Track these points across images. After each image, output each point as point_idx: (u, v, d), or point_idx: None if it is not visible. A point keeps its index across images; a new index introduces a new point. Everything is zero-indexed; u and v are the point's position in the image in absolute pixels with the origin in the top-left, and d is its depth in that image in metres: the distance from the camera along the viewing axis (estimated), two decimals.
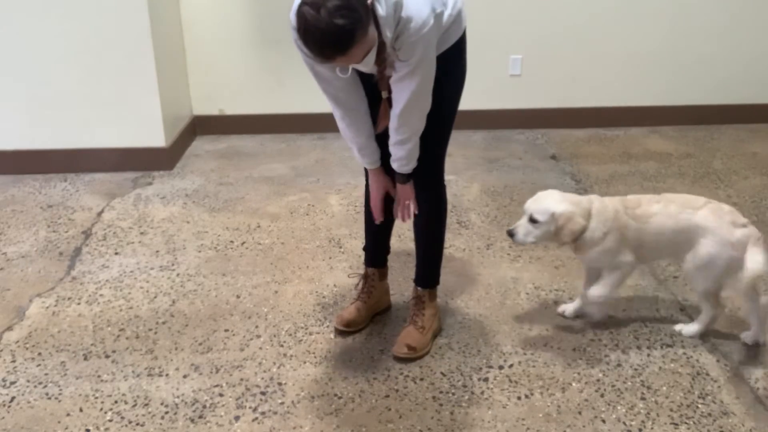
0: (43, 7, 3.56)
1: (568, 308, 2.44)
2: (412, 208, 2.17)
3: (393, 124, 2.00)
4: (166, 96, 3.86)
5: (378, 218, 2.25)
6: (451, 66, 2.03)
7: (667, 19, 4.36)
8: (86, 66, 3.69)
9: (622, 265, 2.23)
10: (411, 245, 2.53)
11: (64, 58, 3.67)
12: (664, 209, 2.18)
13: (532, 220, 2.18)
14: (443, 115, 2.10)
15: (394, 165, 2.09)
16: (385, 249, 2.44)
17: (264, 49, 4.27)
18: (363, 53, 1.76)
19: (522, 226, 2.21)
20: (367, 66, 1.88)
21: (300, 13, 1.67)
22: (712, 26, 4.40)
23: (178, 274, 2.78)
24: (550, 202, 2.17)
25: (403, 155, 2.05)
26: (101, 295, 2.64)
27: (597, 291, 2.27)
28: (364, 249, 2.46)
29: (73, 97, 3.75)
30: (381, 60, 1.86)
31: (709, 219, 2.13)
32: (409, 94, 1.91)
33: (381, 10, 1.77)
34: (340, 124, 2.11)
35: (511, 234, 2.22)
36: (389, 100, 1.98)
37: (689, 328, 2.32)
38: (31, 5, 3.55)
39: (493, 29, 4.25)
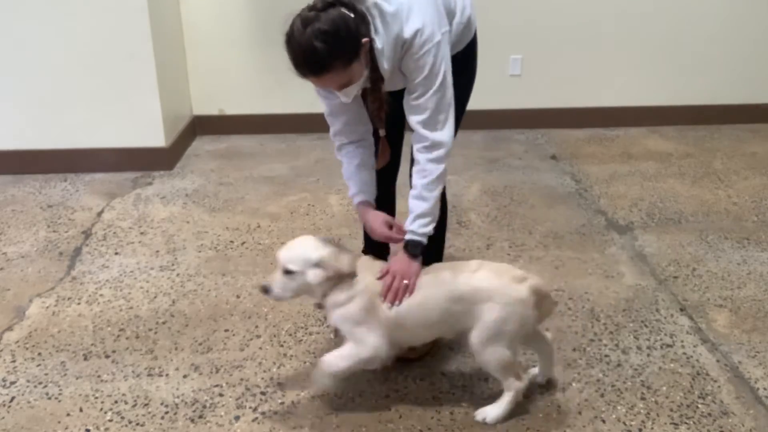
0: (44, 7, 3.56)
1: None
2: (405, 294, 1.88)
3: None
4: (166, 96, 3.86)
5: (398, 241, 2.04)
6: (460, 67, 2.02)
7: (667, 19, 4.36)
8: (86, 66, 3.69)
9: (363, 342, 1.90)
10: None
11: (64, 58, 3.67)
12: (433, 279, 1.90)
13: (287, 272, 1.88)
14: None
15: (414, 224, 1.92)
16: (385, 250, 2.44)
17: (264, 49, 4.26)
18: (340, 83, 1.76)
19: (277, 281, 1.89)
20: (349, 97, 1.86)
21: (292, 22, 1.68)
22: (713, 26, 4.40)
23: (178, 274, 2.78)
24: (306, 249, 1.90)
25: (430, 205, 1.91)
26: (101, 295, 2.64)
27: (331, 358, 1.93)
28: (364, 251, 2.46)
29: (73, 97, 3.75)
30: (376, 98, 1.85)
31: (490, 280, 1.86)
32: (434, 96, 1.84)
33: (378, 42, 1.76)
34: (344, 157, 2.13)
35: (265, 290, 1.90)
36: (387, 138, 1.97)
37: (493, 412, 1.95)
38: (32, 5, 3.55)
39: (493, 29, 4.22)
